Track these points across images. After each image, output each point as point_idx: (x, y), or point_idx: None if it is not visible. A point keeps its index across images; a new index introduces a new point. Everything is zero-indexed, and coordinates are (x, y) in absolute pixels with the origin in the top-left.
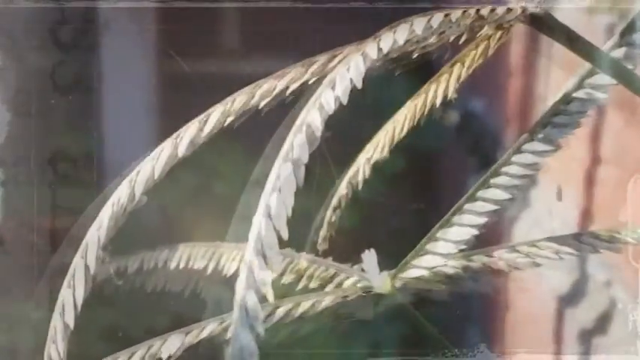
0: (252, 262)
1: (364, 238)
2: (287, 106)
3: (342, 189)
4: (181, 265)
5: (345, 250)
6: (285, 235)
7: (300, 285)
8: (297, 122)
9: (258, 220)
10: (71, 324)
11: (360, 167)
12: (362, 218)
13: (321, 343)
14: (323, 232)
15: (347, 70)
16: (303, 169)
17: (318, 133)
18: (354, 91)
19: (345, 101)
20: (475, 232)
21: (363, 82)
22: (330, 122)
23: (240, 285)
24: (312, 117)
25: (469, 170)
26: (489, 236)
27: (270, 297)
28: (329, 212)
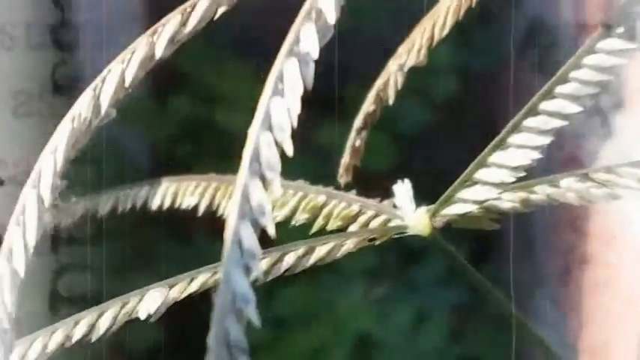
0: (247, 185)
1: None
2: None
3: (369, 105)
4: (166, 204)
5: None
6: (290, 151)
7: (316, 226)
8: (305, 6)
9: (255, 132)
10: (21, 271)
11: (391, 76)
12: (399, 153)
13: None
14: (345, 161)
15: None
16: (312, 67)
17: (332, 21)
18: None
19: None
20: (537, 155)
21: None
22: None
23: (232, 215)
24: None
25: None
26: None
27: (272, 229)
28: (352, 134)
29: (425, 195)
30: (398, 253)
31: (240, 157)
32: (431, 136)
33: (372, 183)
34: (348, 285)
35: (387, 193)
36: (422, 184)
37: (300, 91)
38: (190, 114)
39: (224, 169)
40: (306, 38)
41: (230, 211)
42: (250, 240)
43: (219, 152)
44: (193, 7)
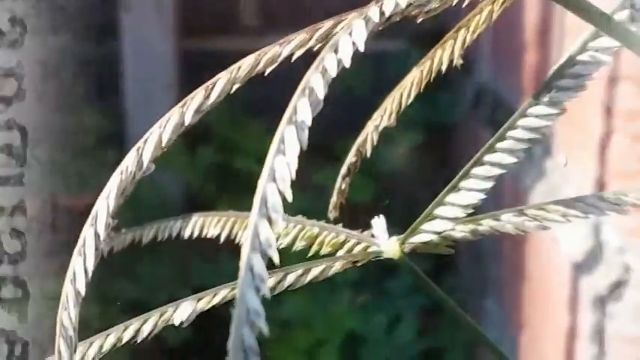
0: (257, 224)
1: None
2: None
3: (351, 157)
4: (195, 234)
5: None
6: (289, 197)
7: (312, 251)
8: (301, 85)
9: (263, 183)
10: (82, 291)
11: (369, 135)
12: (376, 190)
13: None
14: (333, 200)
15: (349, 34)
16: (306, 132)
17: (321, 96)
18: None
19: (347, 64)
20: (482, 195)
21: (368, 46)
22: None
23: (245, 247)
24: (315, 80)
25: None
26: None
27: (276, 258)
28: (339, 180)
29: (396, 221)
30: (376, 269)
31: (253, 196)
32: (402, 177)
33: (355, 216)
34: (338, 295)
35: (366, 226)
36: (394, 213)
37: (297, 151)
38: (215, 161)
39: (241, 205)
40: (301, 110)
41: (244, 243)
42: (259, 267)
43: (238, 191)
44: (214, 85)
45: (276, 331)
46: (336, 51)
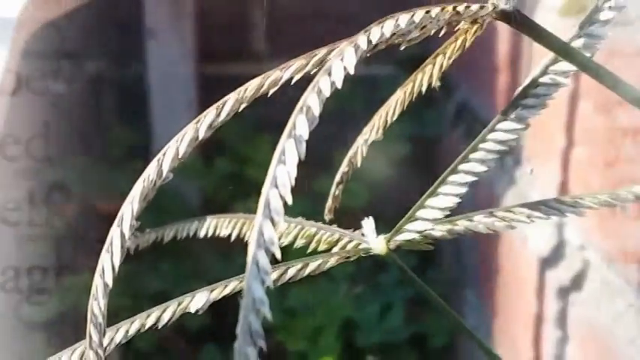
0: (261, 224)
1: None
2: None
3: (344, 167)
4: (209, 233)
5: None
6: (289, 201)
7: (310, 248)
8: (299, 104)
9: (266, 189)
10: (110, 283)
11: (359, 147)
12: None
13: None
14: (328, 204)
15: (341, 60)
16: (304, 145)
17: (317, 114)
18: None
19: (339, 86)
20: (457, 200)
21: (361, 71)
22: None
23: (252, 245)
24: (311, 99)
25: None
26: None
27: (278, 254)
28: (333, 187)
29: (386, 221)
30: (369, 265)
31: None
32: (390, 184)
33: (347, 218)
34: (336, 287)
35: (357, 226)
36: (383, 215)
37: (296, 161)
38: (228, 170)
39: (250, 209)
40: (299, 125)
41: (250, 241)
42: (264, 262)
43: (248, 196)
44: (224, 104)
45: (283, 319)
46: (329, 74)
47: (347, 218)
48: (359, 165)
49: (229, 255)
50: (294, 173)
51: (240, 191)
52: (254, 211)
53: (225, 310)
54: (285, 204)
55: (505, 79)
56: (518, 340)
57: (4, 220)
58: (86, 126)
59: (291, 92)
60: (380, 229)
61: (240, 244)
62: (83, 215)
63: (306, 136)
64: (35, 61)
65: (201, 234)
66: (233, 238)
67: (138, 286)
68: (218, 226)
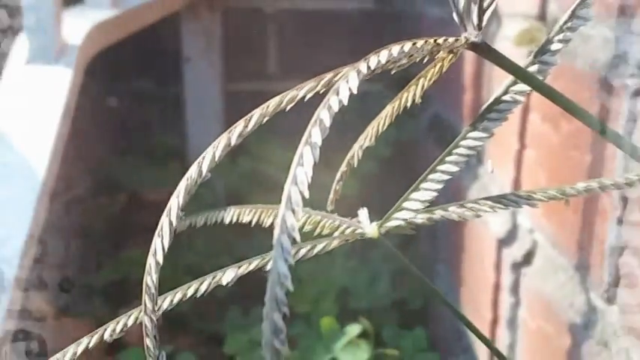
0: (284, 214)
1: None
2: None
3: (343, 167)
4: (234, 220)
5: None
6: (307, 195)
7: (316, 232)
8: (313, 118)
9: (288, 186)
10: (160, 261)
11: (355, 151)
12: (360, 189)
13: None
14: (331, 197)
15: (346, 82)
16: (318, 150)
17: (328, 125)
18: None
19: (345, 102)
20: (435, 194)
21: (358, 89)
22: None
23: (276, 230)
24: (323, 114)
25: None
26: (454, 199)
27: (297, 238)
28: (334, 183)
29: (370, 206)
30: (360, 243)
31: (276, 194)
32: (378, 179)
33: (341, 203)
34: (334, 260)
35: (348, 208)
36: (371, 202)
37: (312, 163)
38: (250, 167)
39: (268, 200)
40: (314, 135)
41: (275, 227)
42: (287, 244)
43: (266, 190)
44: (251, 117)
45: (294, 286)
46: (337, 93)
47: (341, 203)
48: (355, 166)
49: (250, 238)
50: (310, 173)
51: (257, 185)
52: (269, 202)
53: (247, 280)
54: (303, 198)
55: (470, 95)
56: (481, 305)
57: (67, 204)
58: (135, 133)
59: (296, 107)
60: (369, 215)
61: (259, 229)
62: (132, 203)
63: (319, 144)
64: (93, 81)
65: (227, 220)
66: (253, 224)
67: (176, 260)
68: (241, 214)
